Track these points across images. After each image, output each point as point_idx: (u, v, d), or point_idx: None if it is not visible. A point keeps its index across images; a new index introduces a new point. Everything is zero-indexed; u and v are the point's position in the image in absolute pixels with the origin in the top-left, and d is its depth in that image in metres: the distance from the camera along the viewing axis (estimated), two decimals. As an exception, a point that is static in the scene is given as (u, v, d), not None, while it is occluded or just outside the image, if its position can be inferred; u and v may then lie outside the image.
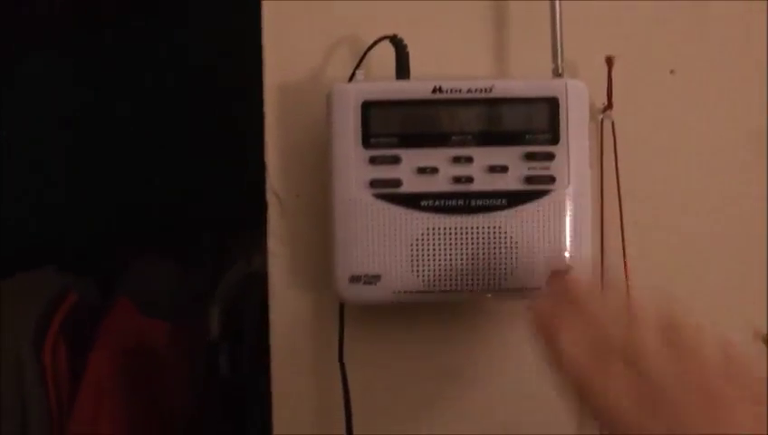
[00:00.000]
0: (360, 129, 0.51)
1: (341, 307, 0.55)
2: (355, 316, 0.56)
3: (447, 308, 0.57)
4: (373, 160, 0.51)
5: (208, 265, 0.89)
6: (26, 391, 0.84)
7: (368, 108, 0.51)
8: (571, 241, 0.51)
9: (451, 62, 0.57)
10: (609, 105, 0.56)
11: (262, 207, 0.57)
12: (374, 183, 0.51)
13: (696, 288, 0.57)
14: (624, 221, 0.56)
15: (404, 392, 0.57)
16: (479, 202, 0.51)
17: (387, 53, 0.54)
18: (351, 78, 0.54)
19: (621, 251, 0.56)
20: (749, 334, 0.58)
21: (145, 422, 0.84)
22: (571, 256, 0.51)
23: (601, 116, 0.57)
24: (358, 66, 0.54)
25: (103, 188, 0.90)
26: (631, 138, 0.57)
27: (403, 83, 0.53)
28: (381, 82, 0.53)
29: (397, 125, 0.51)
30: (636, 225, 0.57)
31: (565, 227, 0.51)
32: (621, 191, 0.57)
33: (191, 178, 0.84)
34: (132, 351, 0.85)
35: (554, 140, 0.51)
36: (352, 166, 0.51)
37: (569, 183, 0.51)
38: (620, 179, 0.57)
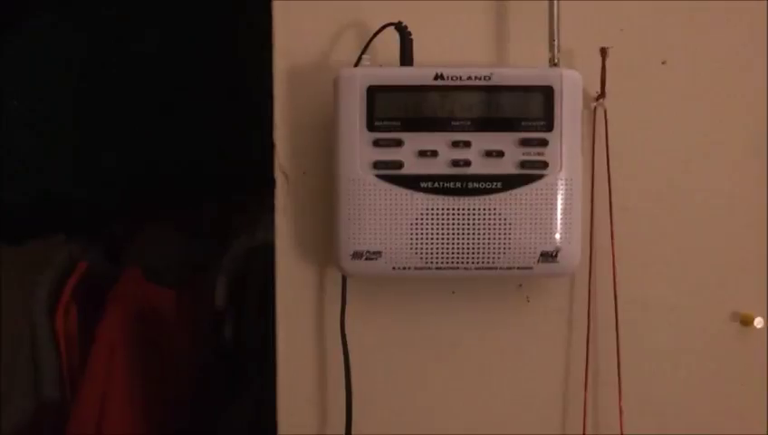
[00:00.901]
0: (365, 112, 0.54)
1: (344, 280, 0.58)
2: (357, 288, 0.60)
3: (447, 283, 0.60)
4: (377, 143, 0.54)
5: (216, 235, 0.92)
6: (39, 354, 0.87)
7: (373, 92, 0.54)
8: (561, 224, 0.54)
9: (453, 50, 0.59)
10: (603, 94, 0.59)
11: (270, 182, 0.60)
12: (377, 164, 0.54)
13: (681, 274, 0.61)
14: (613, 206, 0.60)
15: (403, 361, 0.60)
16: (476, 185, 0.54)
17: (391, 39, 0.57)
18: (358, 63, 0.56)
19: (609, 235, 0.59)
20: (723, 308, 0.61)
21: (153, 383, 0.88)
22: (560, 238, 0.55)
23: (594, 104, 0.59)
24: (364, 51, 0.57)
25: (112, 156, 0.92)
26: (623, 126, 0.60)
27: (407, 70, 0.55)
28: (386, 68, 0.55)
29: (400, 110, 0.54)
30: (624, 210, 0.60)
31: (556, 211, 0.54)
32: (611, 177, 0.59)
33: (202, 150, 0.87)
34: (141, 316, 0.88)
35: (548, 127, 0.54)
36: (357, 147, 0.54)
37: (561, 168, 0.54)
38: (611, 166, 0.59)
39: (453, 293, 0.61)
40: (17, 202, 0.96)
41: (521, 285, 0.61)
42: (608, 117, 0.59)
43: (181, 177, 0.88)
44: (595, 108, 0.59)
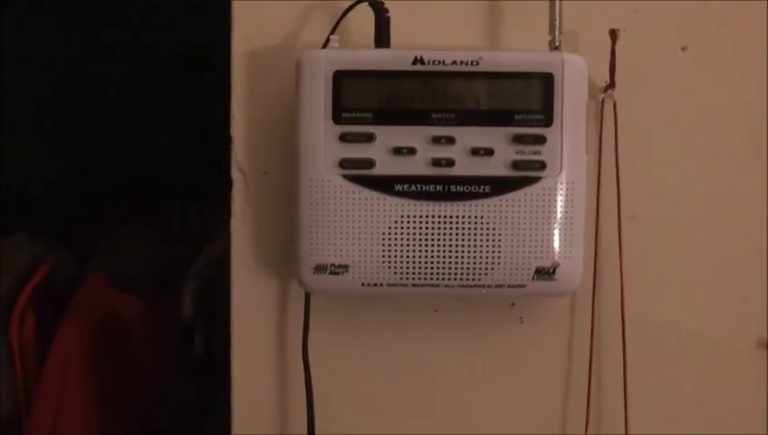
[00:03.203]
0: (330, 101, 0.46)
1: (307, 297, 0.50)
2: (323, 307, 0.52)
3: (428, 301, 0.53)
4: (344, 138, 0.46)
5: (184, 241, 0.85)
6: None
7: (340, 78, 0.46)
8: (560, 235, 0.46)
9: (437, 31, 0.51)
10: (612, 84, 0.51)
11: (226, 183, 0.52)
12: (344, 163, 0.46)
13: (695, 288, 0.52)
14: (622, 215, 0.51)
15: (375, 391, 0.53)
16: (460, 188, 0.46)
17: (366, 19, 0.49)
18: (326, 45, 0.49)
19: (617, 248, 0.51)
20: (749, 333, 0.53)
21: (113, 398, 0.80)
22: (559, 252, 0.47)
23: (602, 96, 0.51)
24: (332, 32, 0.49)
25: (76, 156, 0.85)
26: (635, 121, 0.51)
27: (380, 52, 0.47)
28: (356, 51, 0.47)
29: (372, 99, 0.46)
30: (634, 219, 0.52)
31: (555, 220, 0.46)
32: (620, 181, 0.51)
33: (160, 150, 0.80)
34: (102, 326, 0.81)
35: (547, 121, 0.46)
36: (321, 143, 0.46)
37: (561, 170, 0.46)
38: (620, 168, 0.51)
39: (435, 311, 0.53)
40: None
41: (513, 304, 0.53)
42: (617, 111, 0.51)
43: (146, 180, 0.81)
44: (603, 100, 0.51)
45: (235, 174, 0.52)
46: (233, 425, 0.52)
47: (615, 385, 0.52)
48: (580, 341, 0.52)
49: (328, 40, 0.48)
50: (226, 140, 0.52)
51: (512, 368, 0.53)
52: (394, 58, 0.46)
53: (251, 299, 0.52)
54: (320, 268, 0.47)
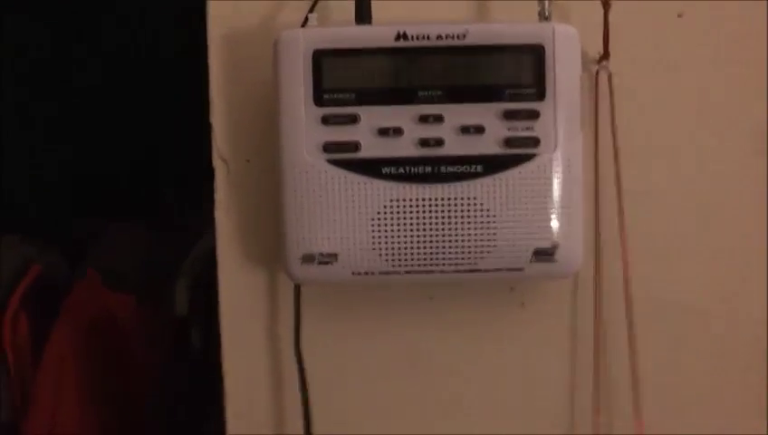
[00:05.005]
0: (310, 83, 0.44)
1: (297, 289, 0.48)
2: (314, 299, 0.50)
3: (420, 289, 0.50)
4: (326, 120, 0.44)
5: (173, 236, 0.83)
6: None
7: (320, 58, 0.43)
8: (558, 214, 0.44)
9: (422, 7, 0.48)
10: (606, 55, 0.48)
11: (208, 173, 0.50)
12: (328, 147, 0.44)
13: (708, 272, 0.50)
14: (623, 191, 0.49)
15: (371, 383, 0.51)
16: (450, 169, 0.44)
17: (348, -5, 0.46)
18: (305, 24, 0.46)
19: (619, 226, 0.49)
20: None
21: (111, 399, 0.79)
22: (558, 232, 0.44)
23: (596, 67, 0.49)
24: (311, 9, 0.46)
25: (65, 154, 0.83)
26: (631, 93, 0.49)
27: (361, 29, 0.45)
28: (335, 28, 0.45)
29: (354, 79, 0.44)
30: (637, 195, 0.50)
31: (552, 198, 0.44)
32: (619, 155, 0.49)
33: (143, 144, 0.78)
34: (95, 325, 0.79)
35: (539, 95, 0.44)
36: (302, 127, 0.44)
37: (556, 146, 0.44)
38: (618, 142, 0.49)
39: (431, 299, 0.51)
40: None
41: (513, 288, 0.51)
42: (612, 82, 0.49)
43: (134, 176, 0.79)
44: (597, 72, 0.49)
45: (217, 163, 0.50)
46: (228, 426, 0.51)
47: (622, 366, 0.49)
48: (583, 323, 0.50)
49: (306, 19, 0.46)
50: (206, 128, 0.50)
51: (514, 355, 0.51)
52: (375, 34, 0.44)
53: (239, 294, 0.50)
54: (307, 258, 0.45)
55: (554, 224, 0.44)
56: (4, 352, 0.80)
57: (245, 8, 0.49)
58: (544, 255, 0.45)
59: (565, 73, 0.44)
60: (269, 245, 0.50)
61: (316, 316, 0.50)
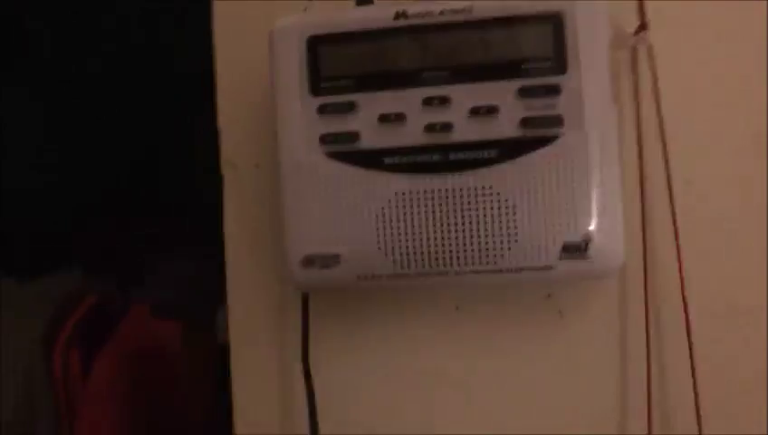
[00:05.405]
0: (306, 72, 0.40)
1: (305, 298, 0.45)
2: (326, 310, 0.46)
3: (447, 297, 0.45)
4: (323, 110, 0.40)
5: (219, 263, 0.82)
6: (36, 394, 0.79)
7: (315, 45, 0.40)
8: (590, 202, 0.38)
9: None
10: (644, 25, 0.43)
11: (216, 180, 0.48)
12: (326, 139, 0.40)
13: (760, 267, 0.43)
14: (673, 178, 0.43)
15: (387, 405, 0.45)
16: (461, 156, 0.39)
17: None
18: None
19: (671, 218, 0.42)
20: None
21: (155, 427, 0.77)
22: (591, 223, 0.39)
23: (634, 40, 0.43)
24: (310, -2, 0.44)
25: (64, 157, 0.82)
26: (676, 67, 0.43)
27: (357, 11, 0.42)
28: (330, 13, 0.42)
29: (352, 64, 0.40)
30: (690, 183, 0.43)
31: (581, 184, 0.38)
32: (666, 137, 0.43)
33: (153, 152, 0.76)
34: (141, 355, 0.78)
35: (560, 68, 0.39)
36: (299, 119, 0.40)
37: (583, 124, 0.38)
38: (664, 122, 0.43)
39: (457, 309, 0.45)
40: (29, 234, 0.90)
41: (550, 295, 0.45)
42: (655, 56, 0.43)
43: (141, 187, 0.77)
44: (635, 46, 0.43)
45: (225, 168, 0.48)
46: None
47: (680, 382, 0.42)
48: (633, 333, 0.43)
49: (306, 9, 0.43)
50: (214, 133, 0.47)
51: (553, 372, 0.44)
52: (373, 15, 0.40)
53: (249, 304, 0.47)
54: (308, 261, 0.41)
55: (585, 214, 0.38)
56: (54, 383, 0.80)
57: (250, 8, 0.47)
58: (575, 250, 0.39)
59: (590, 42, 0.39)
60: (278, 254, 0.46)
61: (327, 330, 0.46)
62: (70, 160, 0.85)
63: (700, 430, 0.41)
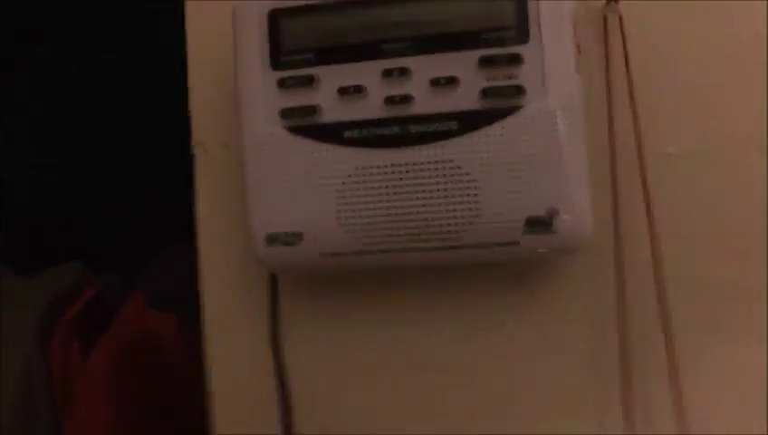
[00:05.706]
0: (267, 46, 0.40)
1: (273, 279, 0.44)
2: (299, 293, 0.45)
3: (419, 279, 0.45)
4: (283, 83, 0.40)
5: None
6: (33, 387, 0.80)
7: (276, 18, 0.40)
8: (554, 175, 0.37)
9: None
10: (614, -7, 0.42)
11: (187, 161, 0.47)
12: (285, 113, 0.40)
13: (753, 245, 0.41)
14: (644, 150, 0.41)
15: (361, 388, 0.45)
16: (421, 128, 0.38)
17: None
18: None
19: (642, 191, 0.41)
20: None
21: (150, 416, 0.77)
22: (555, 196, 0.38)
23: (605, 10, 0.42)
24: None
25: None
26: (649, 38, 0.42)
27: (318, -17, 0.41)
28: (290, -15, 0.41)
29: (313, 38, 0.40)
30: (664, 156, 0.42)
31: (544, 156, 0.37)
32: (638, 108, 0.41)
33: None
34: (136, 346, 0.79)
35: (521, 37, 0.38)
36: (259, 94, 0.40)
37: (546, 94, 0.37)
38: (635, 94, 0.42)
39: (426, 287, 0.44)
40: (32, 228, 0.91)
41: (519, 277, 0.43)
42: (624, 26, 0.42)
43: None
44: (606, 16, 0.42)
45: (196, 149, 0.47)
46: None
47: (655, 362, 0.41)
48: (606, 313, 0.42)
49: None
50: (183, 113, 0.47)
51: (528, 352, 0.43)
52: (333, -13, 0.40)
53: (222, 289, 0.47)
54: (272, 238, 0.40)
55: (549, 187, 0.37)
56: (51, 375, 0.81)
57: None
58: (539, 224, 0.38)
59: (553, 10, 0.38)
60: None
61: (301, 314, 0.45)
62: (68, 157, 0.86)
63: (681, 410, 0.40)
